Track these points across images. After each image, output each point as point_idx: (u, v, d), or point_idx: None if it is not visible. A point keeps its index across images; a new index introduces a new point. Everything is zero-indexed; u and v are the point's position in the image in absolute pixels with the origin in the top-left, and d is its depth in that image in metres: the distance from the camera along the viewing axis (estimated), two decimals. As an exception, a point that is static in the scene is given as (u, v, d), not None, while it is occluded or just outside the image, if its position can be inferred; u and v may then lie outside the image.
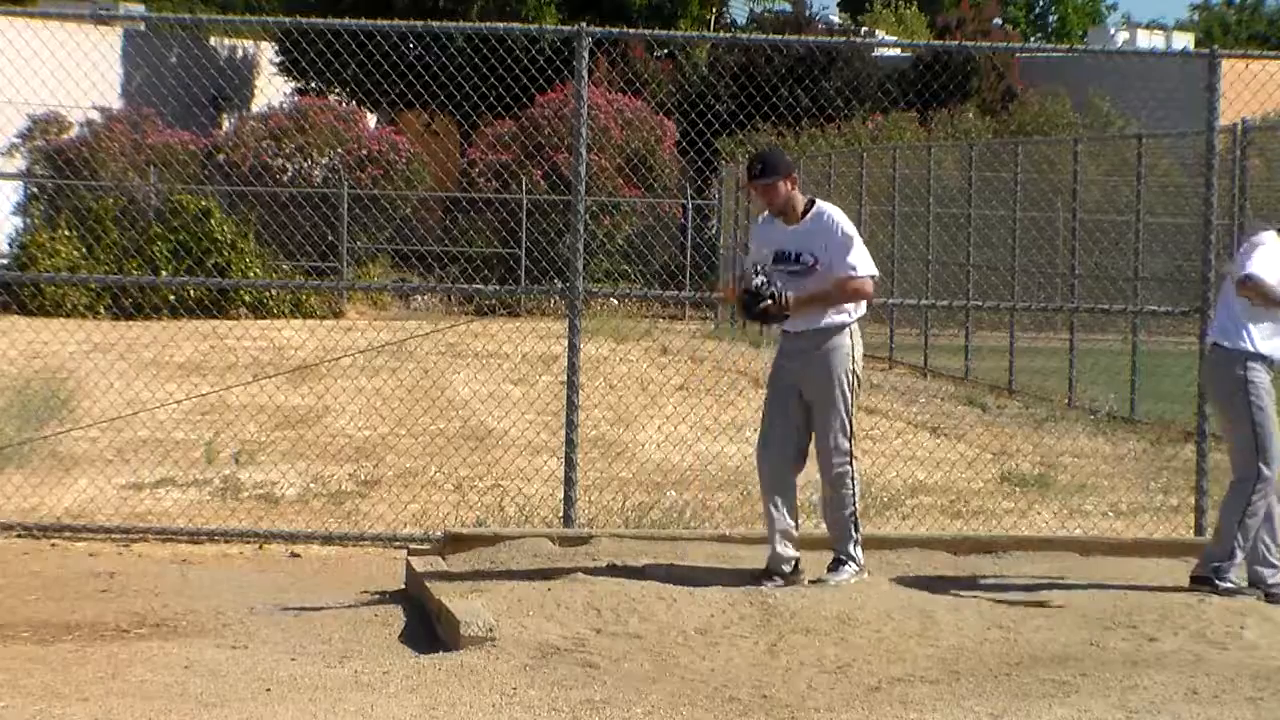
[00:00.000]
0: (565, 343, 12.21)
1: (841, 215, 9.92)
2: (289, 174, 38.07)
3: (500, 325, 27.85)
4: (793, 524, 9.90)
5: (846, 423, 9.82)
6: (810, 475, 10.16)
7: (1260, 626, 9.44)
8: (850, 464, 9.88)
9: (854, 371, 9.86)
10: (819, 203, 9.99)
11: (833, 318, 9.82)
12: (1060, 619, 9.50)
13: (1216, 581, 10.02)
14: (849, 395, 9.83)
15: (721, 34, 47.70)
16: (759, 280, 9.77)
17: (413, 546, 11.11)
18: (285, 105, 39.90)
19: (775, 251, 9.90)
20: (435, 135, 40.94)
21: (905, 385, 23.81)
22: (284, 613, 9.86)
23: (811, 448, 9.96)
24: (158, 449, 15.23)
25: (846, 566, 9.96)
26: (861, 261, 9.79)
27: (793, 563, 9.88)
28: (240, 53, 47.01)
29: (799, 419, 9.88)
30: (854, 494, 9.95)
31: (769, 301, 9.79)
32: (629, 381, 19.89)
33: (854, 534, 9.97)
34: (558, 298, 30.61)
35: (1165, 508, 14.07)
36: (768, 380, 10.15)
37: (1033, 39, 75.20)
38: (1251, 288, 9.87)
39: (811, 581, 9.87)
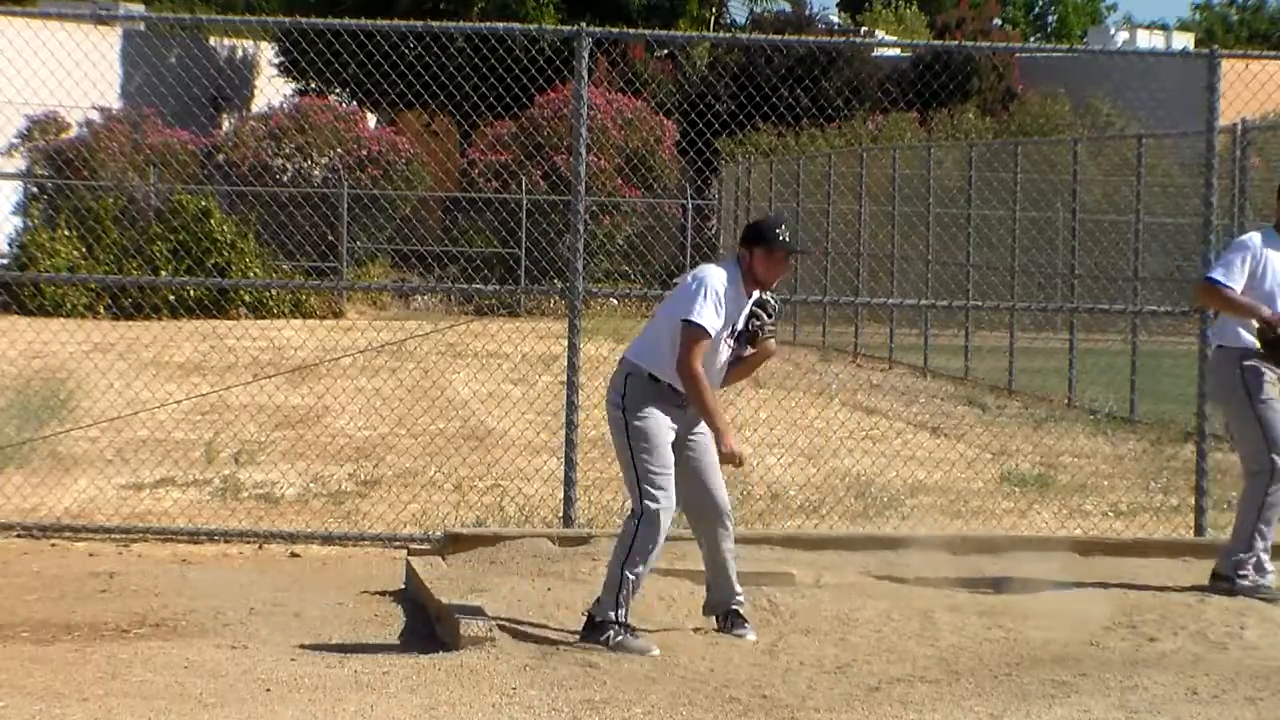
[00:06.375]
0: (565, 343, 12.21)
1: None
2: (289, 174, 38.08)
3: (500, 325, 27.81)
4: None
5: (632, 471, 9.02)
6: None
7: (1260, 626, 9.44)
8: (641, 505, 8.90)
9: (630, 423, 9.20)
10: None
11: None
12: (1060, 619, 9.50)
13: (1236, 579, 10.03)
14: (632, 444, 9.16)
15: (721, 34, 47.73)
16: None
17: (413, 546, 11.11)
18: (285, 105, 39.91)
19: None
20: (435, 135, 40.95)
21: (905, 385, 23.79)
22: (284, 613, 9.85)
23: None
24: (158, 449, 15.23)
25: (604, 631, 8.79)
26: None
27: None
28: (240, 53, 47.00)
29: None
30: (630, 545, 8.83)
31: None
32: (629, 381, 19.79)
33: (617, 591, 8.77)
34: (558, 298, 30.61)
35: (1165, 508, 14.06)
36: None
37: (1031, 39, 75.16)
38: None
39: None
